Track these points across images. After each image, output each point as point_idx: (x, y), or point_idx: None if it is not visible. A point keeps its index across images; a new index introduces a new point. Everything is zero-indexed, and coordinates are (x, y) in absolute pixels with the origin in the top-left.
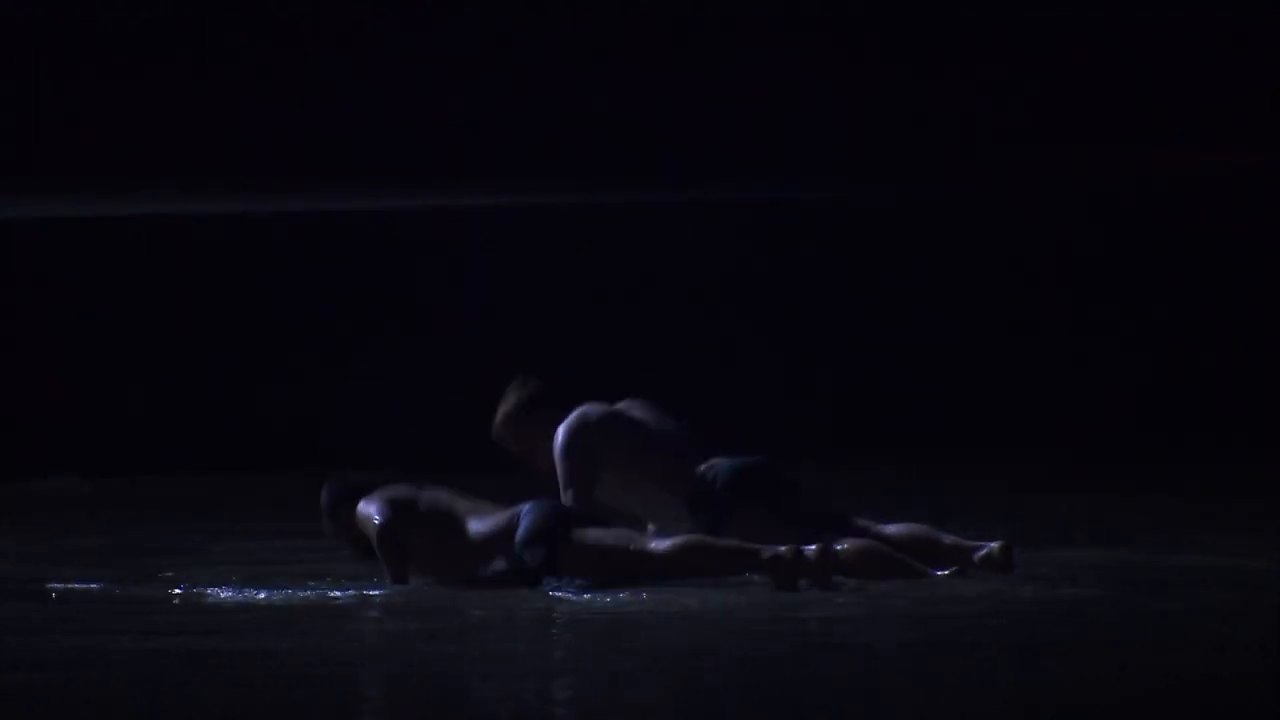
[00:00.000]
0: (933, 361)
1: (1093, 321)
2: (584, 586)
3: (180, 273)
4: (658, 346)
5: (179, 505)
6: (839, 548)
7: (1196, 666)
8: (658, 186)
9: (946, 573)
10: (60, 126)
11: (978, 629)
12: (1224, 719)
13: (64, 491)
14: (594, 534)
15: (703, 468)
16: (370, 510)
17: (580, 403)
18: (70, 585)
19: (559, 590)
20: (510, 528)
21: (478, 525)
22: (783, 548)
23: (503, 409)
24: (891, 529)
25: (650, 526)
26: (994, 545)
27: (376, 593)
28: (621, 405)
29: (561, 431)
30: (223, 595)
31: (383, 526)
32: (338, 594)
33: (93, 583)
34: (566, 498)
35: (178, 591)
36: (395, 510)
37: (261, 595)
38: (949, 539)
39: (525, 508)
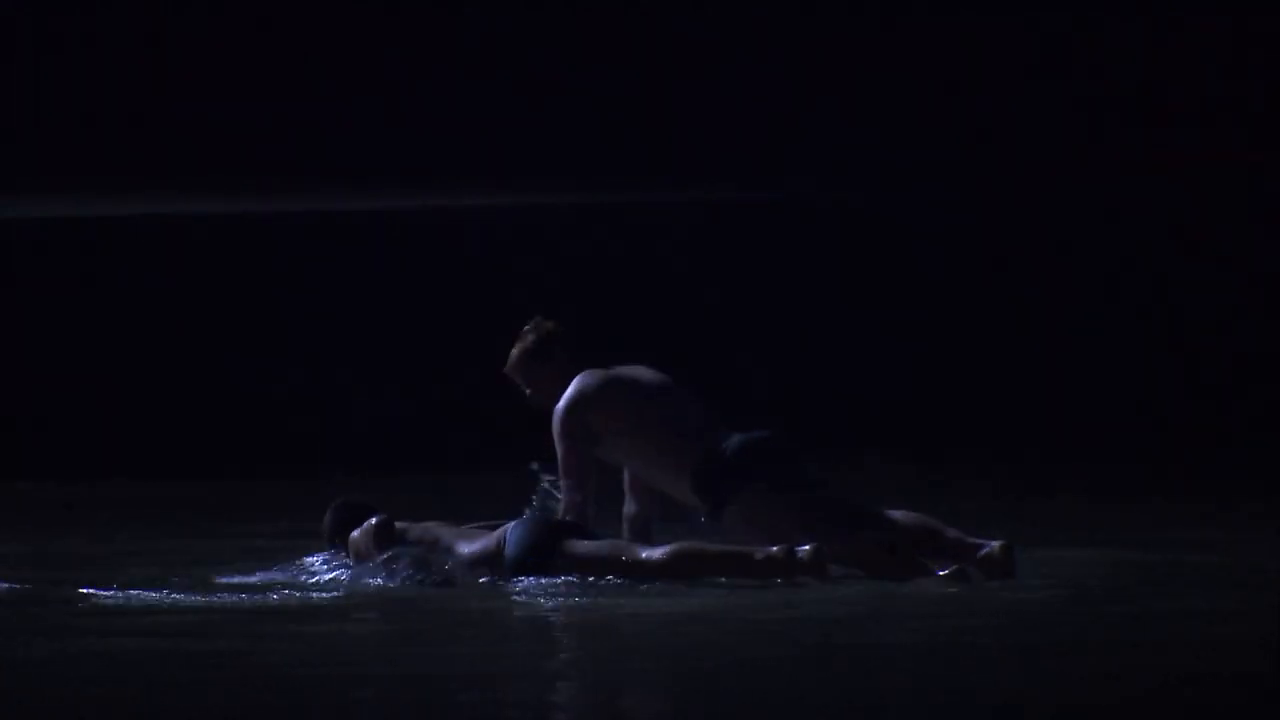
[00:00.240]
0: (932, 362)
1: (1092, 321)
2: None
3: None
4: (657, 347)
5: (174, 506)
6: (839, 547)
7: (1197, 667)
8: (658, 186)
9: (947, 571)
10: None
11: (977, 629)
12: (1224, 719)
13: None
14: (585, 546)
15: (712, 437)
16: (357, 535)
17: (594, 352)
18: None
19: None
20: (499, 549)
21: (466, 548)
22: (775, 549)
23: (517, 348)
24: (896, 515)
25: (627, 526)
26: (995, 544)
27: (367, 593)
28: (626, 370)
29: (559, 410)
30: (209, 598)
31: (378, 524)
32: (325, 596)
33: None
34: (564, 485)
35: (164, 594)
36: (390, 515)
37: (249, 597)
38: (952, 532)
39: (511, 526)
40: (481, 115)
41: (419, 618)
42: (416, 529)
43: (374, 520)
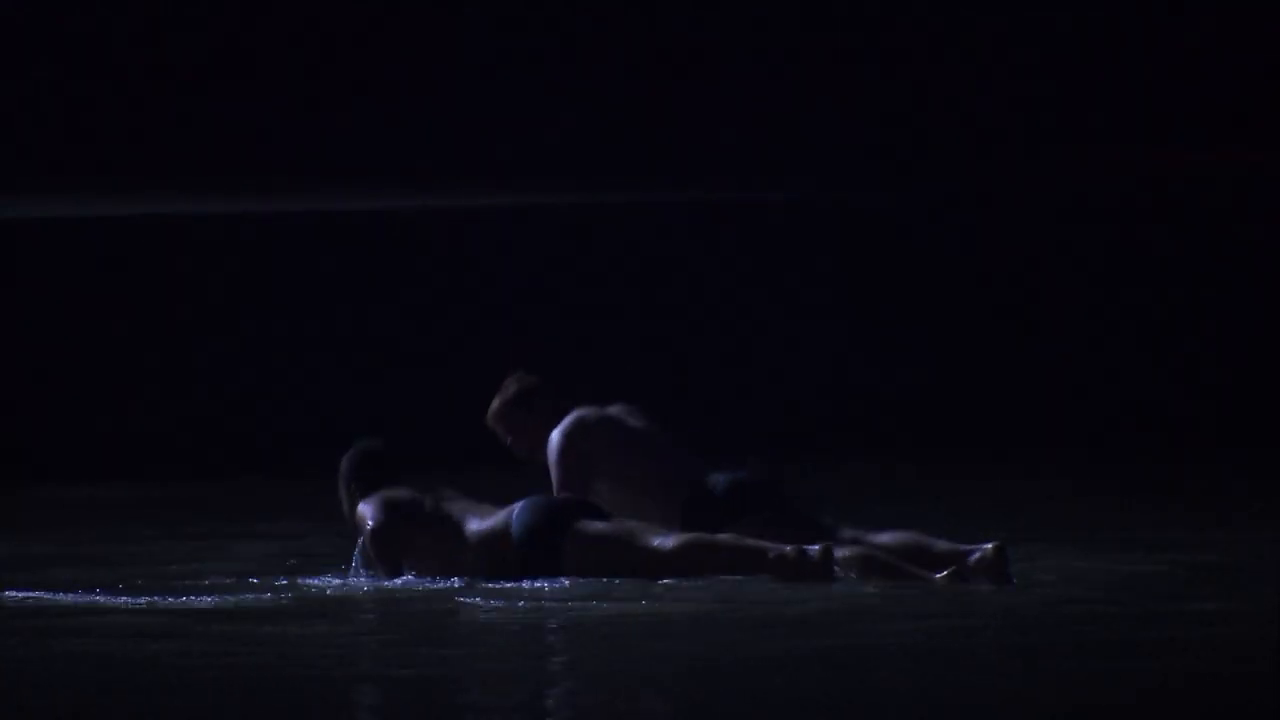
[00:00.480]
0: (932, 362)
1: (1092, 322)
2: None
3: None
4: (658, 347)
5: (174, 507)
6: (840, 553)
7: (1196, 668)
8: (658, 186)
9: (944, 575)
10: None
11: (976, 631)
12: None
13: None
14: (598, 527)
15: (700, 477)
16: (366, 511)
17: (574, 401)
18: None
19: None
20: (507, 526)
21: (476, 524)
22: (787, 547)
23: (498, 399)
24: (884, 538)
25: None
26: (987, 547)
27: (370, 596)
28: (616, 410)
29: (557, 435)
30: (214, 600)
31: (376, 527)
32: (329, 595)
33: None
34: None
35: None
36: (389, 513)
37: (251, 599)
38: (941, 545)
39: (520, 504)
40: (481, 115)
41: (420, 620)
42: (429, 501)
43: (370, 527)
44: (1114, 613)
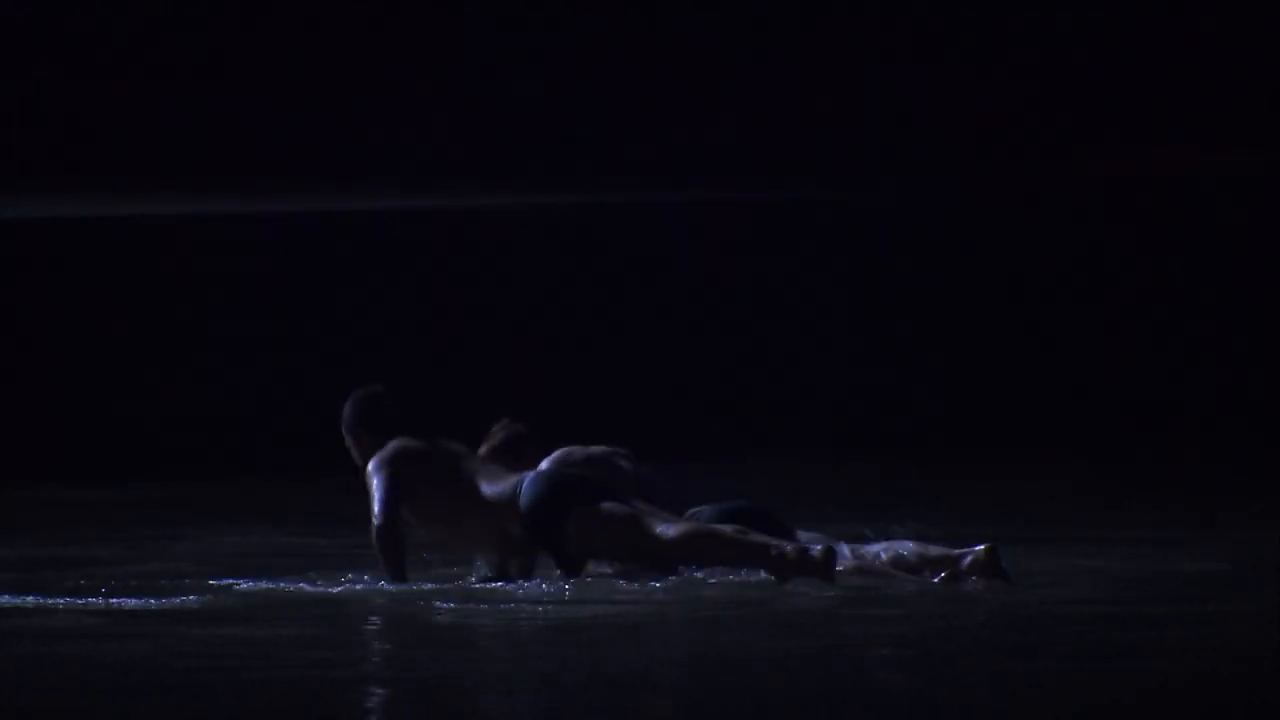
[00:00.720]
0: (931, 362)
1: (1091, 322)
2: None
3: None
4: (657, 346)
5: (177, 508)
6: (840, 566)
7: (1196, 668)
8: (658, 186)
9: (940, 578)
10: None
11: (975, 632)
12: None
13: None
14: (605, 506)
15: (689, 514)
16: (373, 484)
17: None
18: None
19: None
20: (514, 497)
21: (489, 487)
22: (789, 546)
23: (485, 446)
24: (878, 547)
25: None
26: (979, 548)
27: (375, 599)
28: (598, 450)
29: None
30: (220, 601)
31: (380, 527)
32: (335, 596)
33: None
34: None
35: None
36: (395, 513)
37: (260, 603)
38: (934, 550)
39: (530, 476)
40: (482, 115)
41: (424, 620)
42: (439, 453)
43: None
44: (1114, 613)
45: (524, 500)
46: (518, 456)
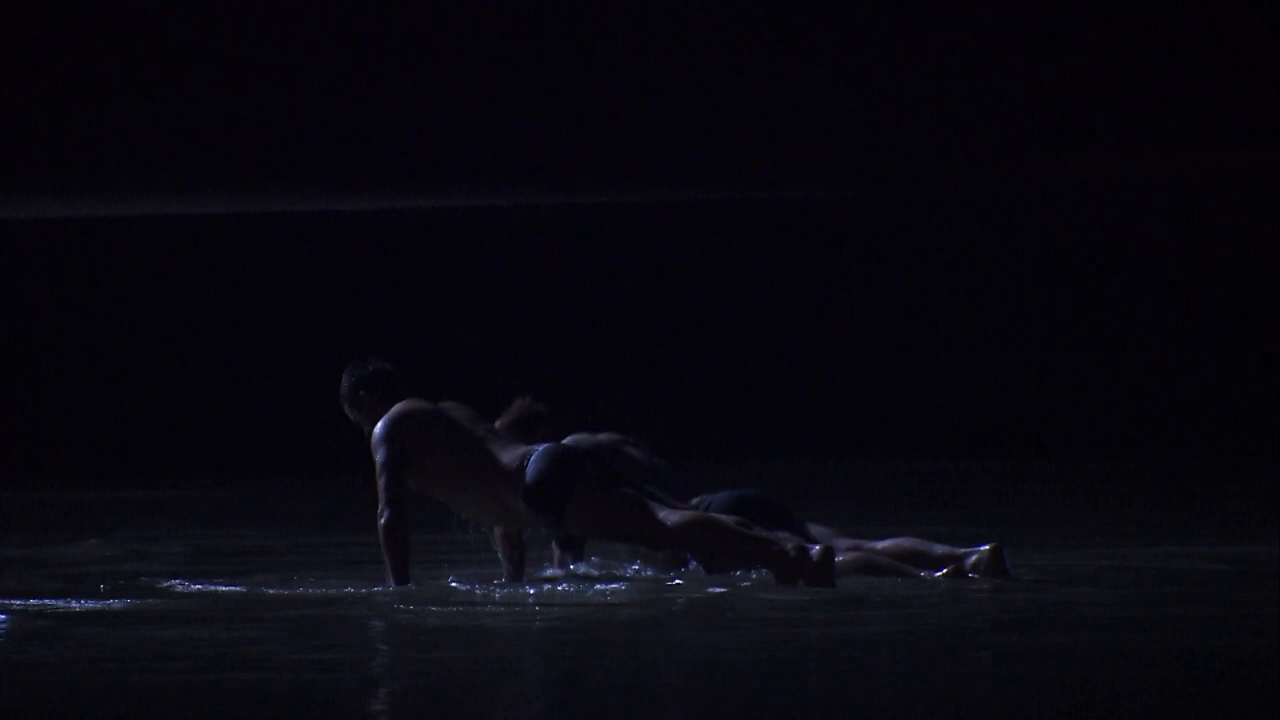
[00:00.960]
0: (932, 362)
1: (1091, 322)
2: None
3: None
4: (658, 346)
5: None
6: (840, 558)
7: (1195, 668)
8: (658, 186)
9: (941, 574)
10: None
11: (975, 632)
12: None
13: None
14: (609, 487)
15: (695, 500)
16: (379, 456)
17: (572, 428)
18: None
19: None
20: (520, 468)
21: (497, 454)
22: (789, 544)
23: (501, 420)
24: (881, 545)
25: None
26: (984, 548)
27: (382, 599)
28: (606, 437)
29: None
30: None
31: (387, 524)
32: (342, 597)
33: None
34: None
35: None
36: (402, 504)
37: (263, 601)
38: (939, 549)
39: (538, 450)
40: (482, 115)
41: (431, 620)
42: (444, 418)
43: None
44: (1111, 613)
45: (530, 472)
46: (530, 436)
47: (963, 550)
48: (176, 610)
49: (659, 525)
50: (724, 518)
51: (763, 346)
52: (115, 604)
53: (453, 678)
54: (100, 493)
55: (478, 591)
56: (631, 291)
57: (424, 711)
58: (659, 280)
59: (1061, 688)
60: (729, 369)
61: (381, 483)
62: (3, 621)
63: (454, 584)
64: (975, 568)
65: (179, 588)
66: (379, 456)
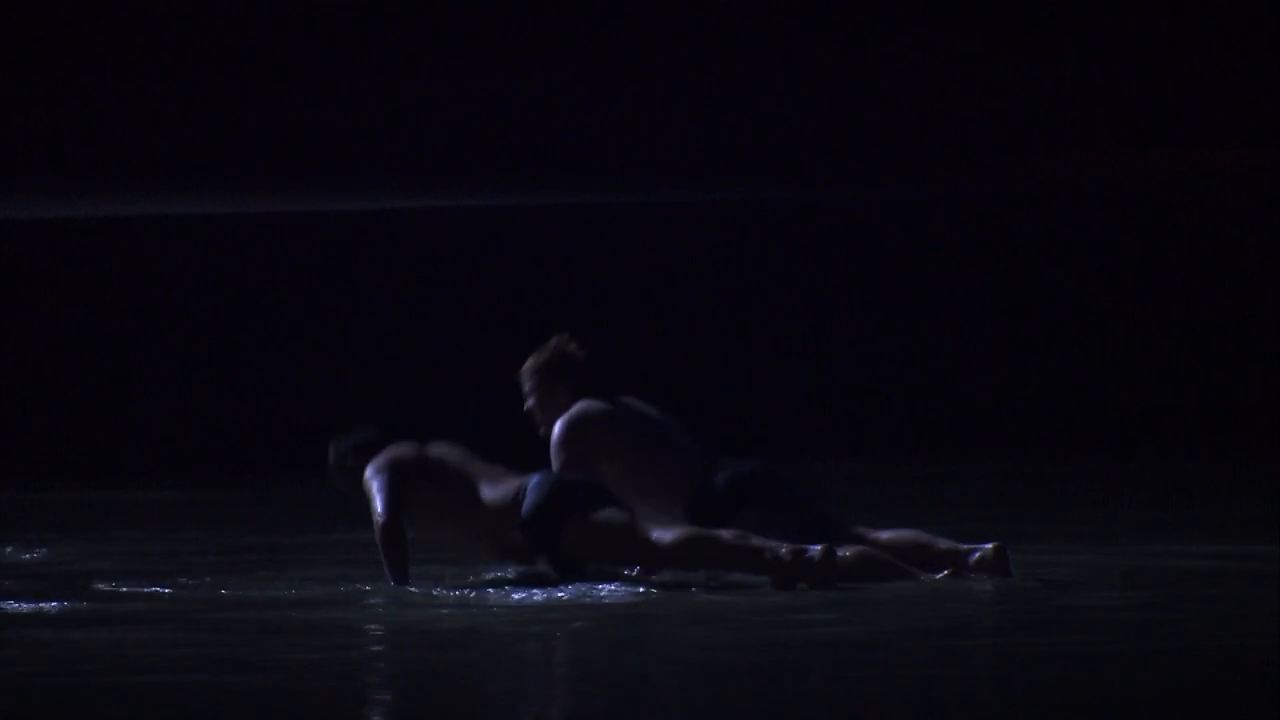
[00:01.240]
0: (933, 362)
1: (1092, 322)
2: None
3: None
4: (658, 346)
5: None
6: (841, 553)
7: (1194, 668)
8: (658, 187)
9: (942, 575)
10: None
11: (975, 631)
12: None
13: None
14: (602, 514)
15: (705, 470)
16: (374, 487)
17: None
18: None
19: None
20: (516, 500)
21: (490, 491)
22: (785, 549)
23: (534, 357)
24: (886, 535)
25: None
26: (987, 547)
27: (379, 600)
28: (624, 399)
29: (559, 426)
30: (227, 597)
31: (385, 525)
32: (341, 595)
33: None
34: None
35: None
36: (399, 508)
37: (263, 600)
38: (943, 543)
39: (533, 480)
40: (482, 115)
41: (430, 621)
42: (434, 457)
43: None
44: (1111, 613)
45: (525, 508)
46: (561, 375)
47: (966, 547)
48: (177, 610)
49: (655, 545)
50: (718, 532)
51: (763, 346)
52: (114, 606)
53: (451, 678)
54: (101, 493)
55: (471, 594)
56: (631, 291)
57: (423, 712)
58: (659, 280)
59: (1062, 688)
60: (729, 369)
61: (378, 498)
62: (3, 622)
63: (445, 589)
64: (979, 566)
65: (180, 585)
66: (375, 487)
